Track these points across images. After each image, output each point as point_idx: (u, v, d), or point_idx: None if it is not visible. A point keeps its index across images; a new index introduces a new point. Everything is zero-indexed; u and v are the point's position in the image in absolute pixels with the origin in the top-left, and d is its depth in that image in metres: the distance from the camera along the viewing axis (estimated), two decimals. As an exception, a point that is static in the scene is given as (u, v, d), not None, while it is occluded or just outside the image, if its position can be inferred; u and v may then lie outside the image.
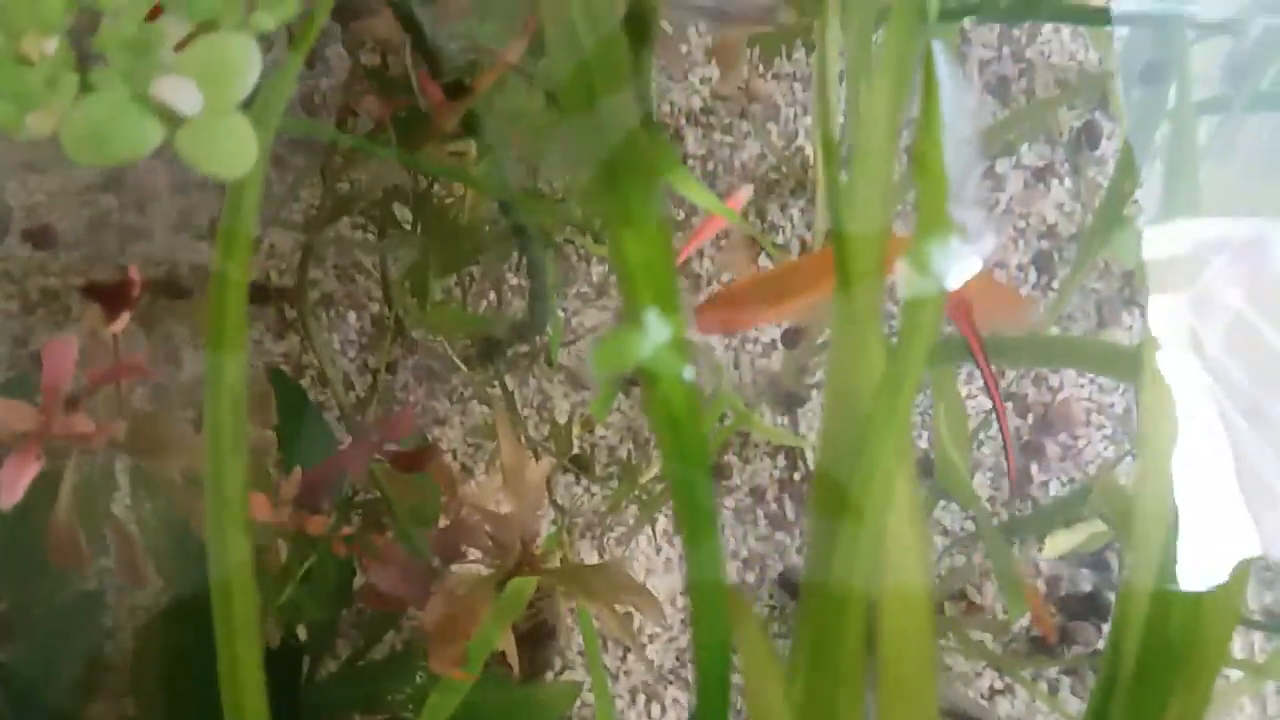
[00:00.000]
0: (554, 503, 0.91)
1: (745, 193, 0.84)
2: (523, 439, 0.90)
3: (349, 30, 0.51)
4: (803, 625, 0.35)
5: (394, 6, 0.48)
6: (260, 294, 0.92)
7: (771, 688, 0.35)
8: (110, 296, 0.48)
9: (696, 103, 0.98)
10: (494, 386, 0.91)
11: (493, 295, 0.95)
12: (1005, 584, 0.69)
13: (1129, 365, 0.58)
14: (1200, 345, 0.44)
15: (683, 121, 0.98)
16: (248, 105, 0.38)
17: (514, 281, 0.94)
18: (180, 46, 0.40)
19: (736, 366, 0.96)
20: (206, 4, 0.40)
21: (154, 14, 0.41)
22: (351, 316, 0.94)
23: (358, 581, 0.74)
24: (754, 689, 0.35)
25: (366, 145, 0.49)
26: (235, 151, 0.38)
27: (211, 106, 0.39)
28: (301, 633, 0.69)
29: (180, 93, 0.39)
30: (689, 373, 0.35)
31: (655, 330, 0.35)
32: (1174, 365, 0.41)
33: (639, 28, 0.51)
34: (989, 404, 0.93)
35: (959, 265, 0.35)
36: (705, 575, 0.34)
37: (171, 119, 0.39)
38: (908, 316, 0.35)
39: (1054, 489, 0.93)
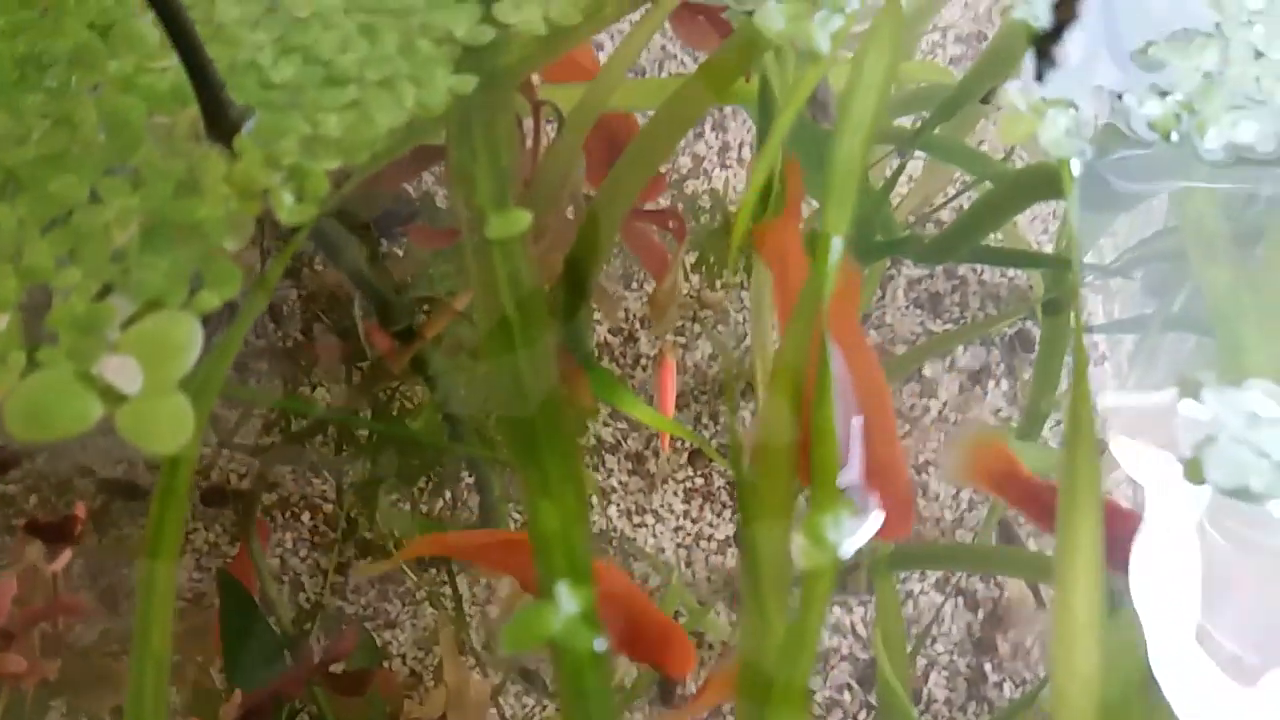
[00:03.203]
0: (503, 716, 0.89)
1: (671, 357, 0.87)
2: (470, 648, 0.90)
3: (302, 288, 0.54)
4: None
5: (344, 266, 0.52)
6: (218, 496, 0.92)
7: None
8: (52, 534, 0.49)
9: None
10: (445, 588, 0.91)
11: (448, 494, 0.96)
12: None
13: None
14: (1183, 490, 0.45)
15: (637, 325, 1.02)
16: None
17: (469, 479, 0.95)
18: (127, 324, 0.42)
19: (689, 564, 0.96)
20: (153, 284, 0.43)
21: (104, 293, 0.43)
22: (306, 516, 0.95)
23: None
24: None
25: (304, 408, 0.51)
26: (173, 428, 0.40)
27: (152, 385, 0.41)
28: None
29: (122, 372, 0.41)
30: (600, 644, 0.36)
31: (566, 603, 0.36)
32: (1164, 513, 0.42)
33: (576, 282, 0.54)
34: (940, 599, 0.94)
35: (853, 536, 0.37)
36: None
37: (113, 396, 0.41)
38: (805, 589, 0.37)
39: (1008, 690, 0.92)
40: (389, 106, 0.43)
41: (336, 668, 0.70)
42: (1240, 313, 0.43)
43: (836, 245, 0.42)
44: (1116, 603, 0.43)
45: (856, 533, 0.37)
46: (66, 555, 0.51)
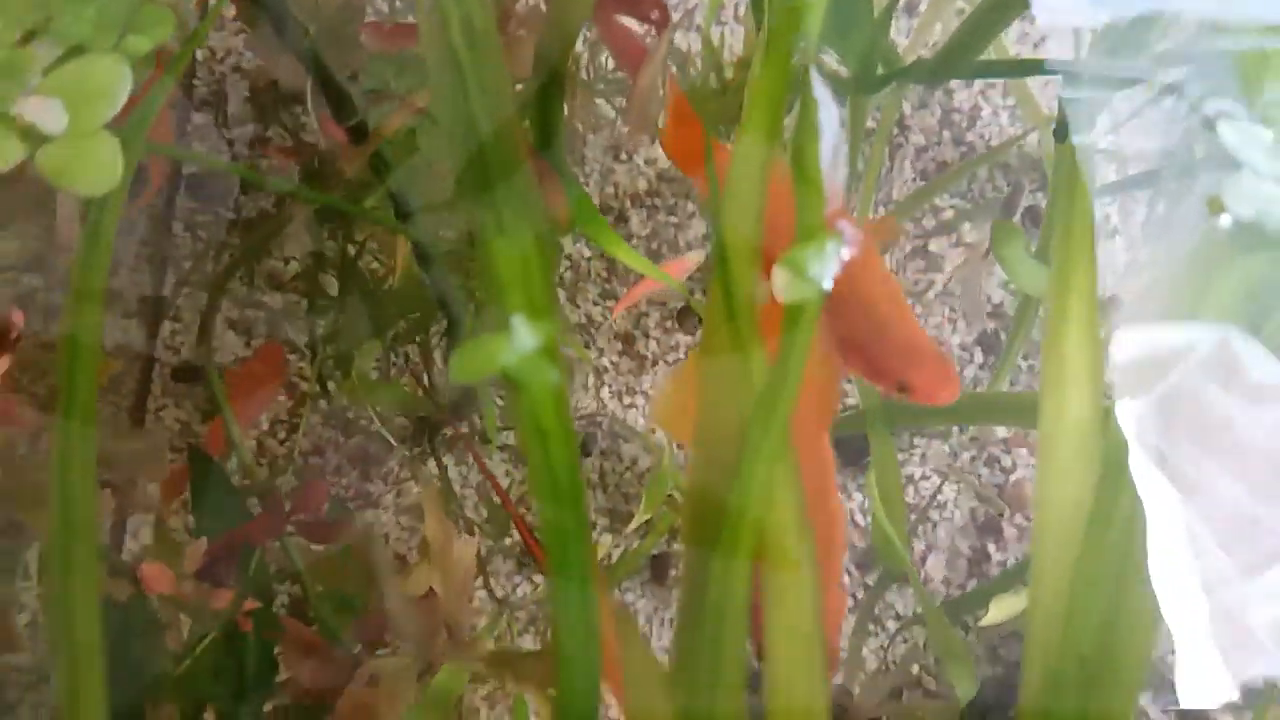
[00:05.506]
0: (492, 594, 0.87)
1: (695, 257, 0.84)
2: (459, 520, 0.87)
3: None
4: (682, 634, 0.32)
5: (297, 49, 0.48)
6: (189, 373, 0.90)
7: (654, 697, 0.32)
8: (-12, 341, 0.46)
9: (641, 184, 0.99)
10: (428, 471, 0.88)
11: (426, 379, 0.93)
12: (948, 659, 0.66)
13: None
14: (1169, 448, 0.44)
15: (627, 203, 0.98)
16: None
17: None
18: (49, 70, 0.39)
19: (681, 446, 0.93)
20: (77, 29, 0.39)
21: (26, 39, 0.40)
22: (282, 396, 0.92)
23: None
24: (636, 699, 0.33)
25: (256, 179, 0.48)
26: (100, 169, 0.37)
27: (77, 126, 0.37)
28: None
29: (45, 112, 0.37)
30: (557, 377, 0.33)
31: (523, 336, 0.33)
32: (1142, 476, 0.40)
33: (550, 73, 0.50)
34: (939, 481, 0.91)
35: (834, 269, 0.34)
36: (572, 605, 0.32)
37: (36, 137, 0.38)
38: (788, 320, 0.34)
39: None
40: None
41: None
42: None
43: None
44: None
45: (838, 261, 0.34)
46: (4, 362, 0.48)
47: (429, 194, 0.57)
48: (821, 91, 0.37)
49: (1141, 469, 0.36)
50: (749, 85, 0.40)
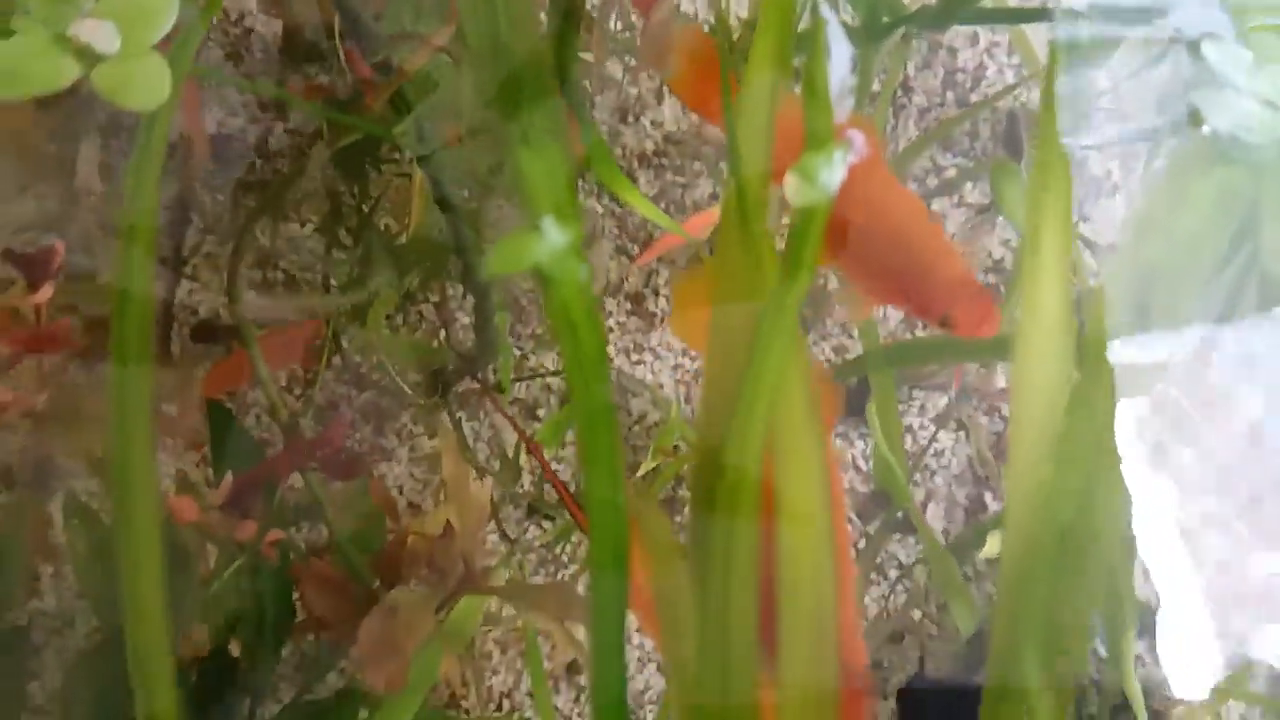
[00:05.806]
0: (505, 534, 0.90)
1: (716, 213, 0.86)
2: (471, 470, 0.90)
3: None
4: (696, 527, 0.35)
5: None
6: (208, 331, 0.92)
7: (679, 587, 0.35)
8: (32, 266, 0.49)
9: (649, 145, 1.01)
10: (443, 418, 0.91)
11: (443, 335, 0.95)
12: (950, 595, 0.68)
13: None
14: (1164, 446, 0.46)
15: (635, 164, 1.00)
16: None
17: (465, 320, 0.95)
18: (101, -4, 0.41)
19: (688, 401, 0.96)
20: (129, -45, 0.41)
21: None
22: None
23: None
24: (662, 588, 0.36)
25: (287, 96, 0.50)
26: (150, 86, 0.39)
27: (129, 46, 0.40)
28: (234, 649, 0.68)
29: (99, 33, 0.40)
30: (585, 273, 0.35)
31: (553, 236, 0.35)
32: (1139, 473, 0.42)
33: (566, 15, 0.52)
34: (935, 430, 0.94)
35: (840, 175, 0.37)
36: (602, 483, 0.34)
37: (90, 57, 0.40)
38: (798, 222, 0.36)
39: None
40: None
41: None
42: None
43: None
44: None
45: (843, 168, 0.37)
46: (49, 289, 0.50)
47: (447, 132, 0.59)
48: (830, 15, 0.39)
49: (1138, 459, 0.39)
50: (759, 22, 0.43)
